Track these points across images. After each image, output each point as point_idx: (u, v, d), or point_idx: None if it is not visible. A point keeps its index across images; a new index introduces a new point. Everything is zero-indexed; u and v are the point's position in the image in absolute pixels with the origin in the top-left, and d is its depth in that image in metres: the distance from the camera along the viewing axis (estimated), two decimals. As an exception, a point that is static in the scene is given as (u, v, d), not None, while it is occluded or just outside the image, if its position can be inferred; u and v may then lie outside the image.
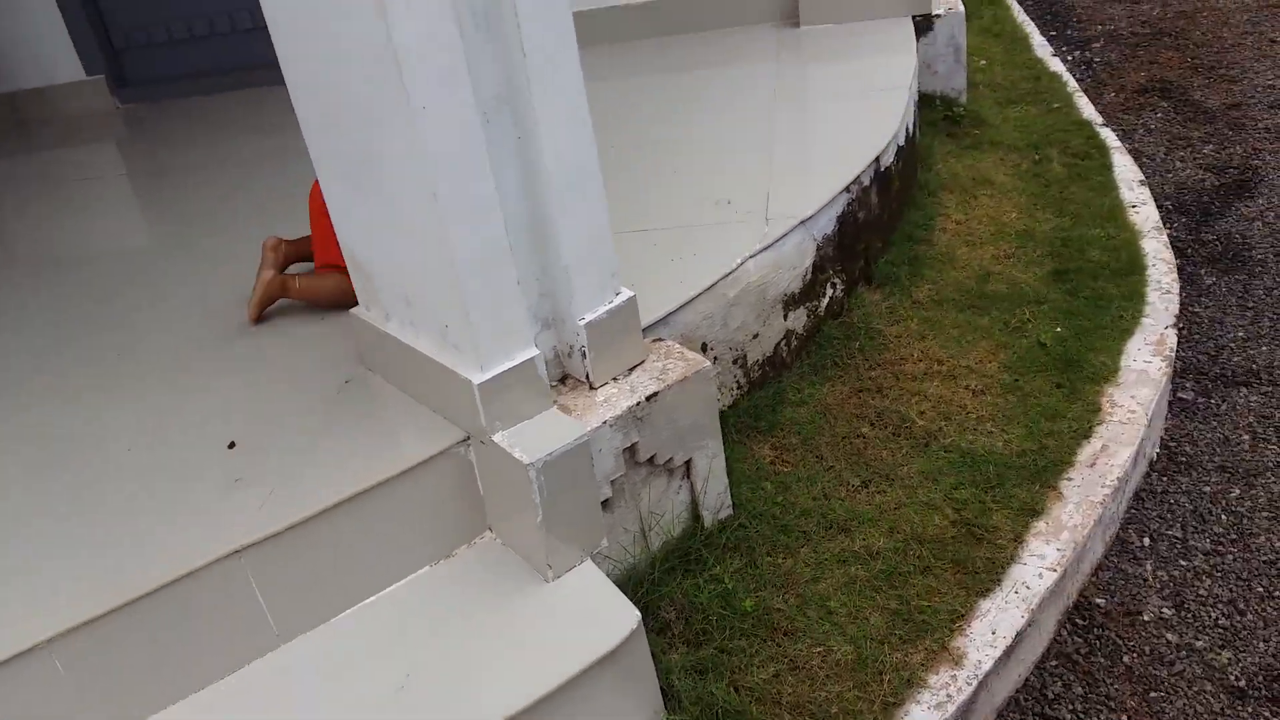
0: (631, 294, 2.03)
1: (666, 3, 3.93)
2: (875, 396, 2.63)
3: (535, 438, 1.87)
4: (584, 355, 2.00)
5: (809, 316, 2.68)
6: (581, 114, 1.83)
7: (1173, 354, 2.67)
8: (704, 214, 2.68)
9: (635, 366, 2.09)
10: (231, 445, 2.06)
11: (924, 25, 3.68)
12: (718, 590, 2.09)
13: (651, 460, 2.07)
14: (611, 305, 2.00)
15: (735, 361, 2.49)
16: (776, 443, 2.50)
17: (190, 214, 3.38)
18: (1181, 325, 3.06)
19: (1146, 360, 2.64)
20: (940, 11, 3.67)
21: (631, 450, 2.02)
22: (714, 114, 3.32)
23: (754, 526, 2.25)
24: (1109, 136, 3.74)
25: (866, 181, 2.83)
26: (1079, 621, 2.21)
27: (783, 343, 2.61)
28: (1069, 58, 4.90)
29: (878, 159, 2.87)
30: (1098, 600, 2.26)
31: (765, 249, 2.49)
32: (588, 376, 2.03)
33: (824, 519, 2.29)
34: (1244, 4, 5.16)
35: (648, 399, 2.00)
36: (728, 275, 2.40)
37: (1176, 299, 2.86)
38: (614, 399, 2.00)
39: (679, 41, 3.92)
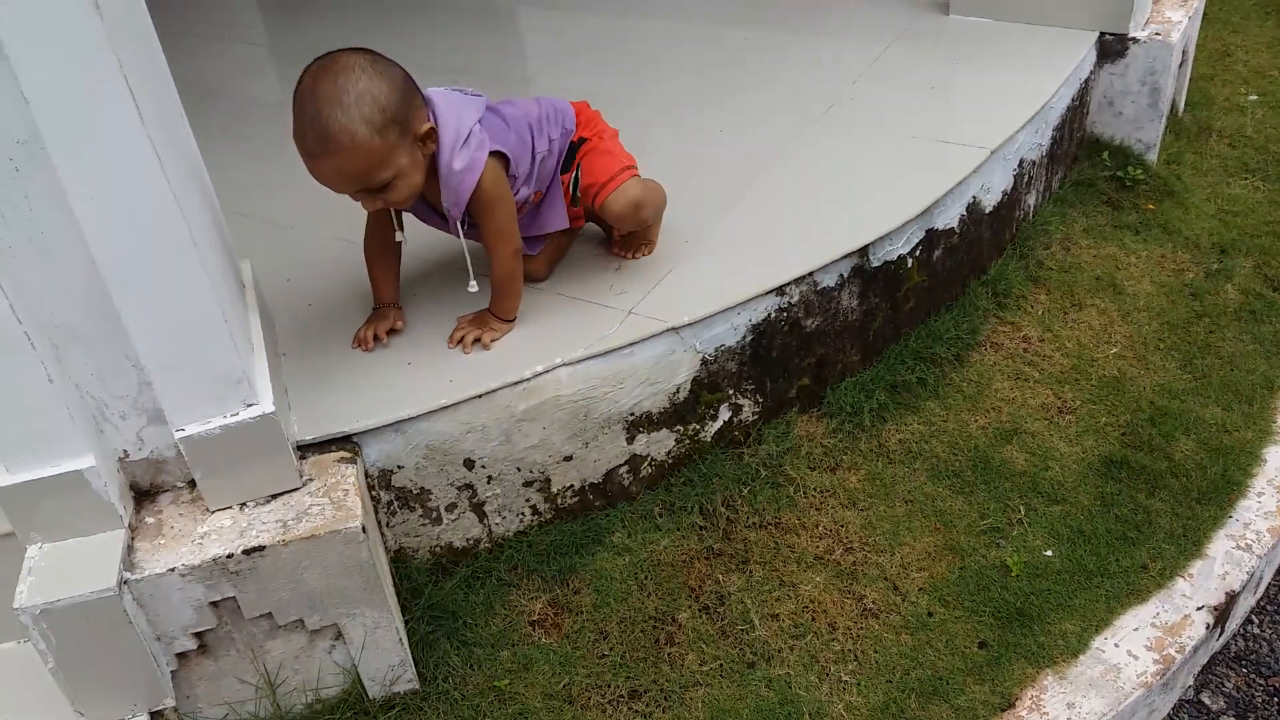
0: (268, 410, 1.52)
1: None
2: (731, 570, 1.93)
3: (57, 572, 1.48)
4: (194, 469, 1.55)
5: (679, 441, 1.99)
6: (140, 179, 1.31)
7: (1186, 655, 1.71)
8: (574, 280, 2.03)
9: (282, 494, 1.61)
10: None
11: (1115, 48, 2.57)
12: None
13: (270, 616, 1.60)
14: (231, 421, 1.51)
15: (529, 484, 1.90)
16: (559, 598, 1.91)
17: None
18: (1264, 601, 2.00)
19: (1132, 652, 1.71)
20: (1139, 35, 2.53)
21: (234, 603, 1.57)
22: (739, 113, 2.52)
23: (436, 713, 1.73)
24: (1354, 252, 2.48)
25: (831, 281, 2.01)
26: None
27: (624, 469, 1.96)
28: None
29: (865, 250, 2.03)
30: None
31: (589, 358, 1.83)
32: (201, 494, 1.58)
33: (542, 732, 1.72)
34: None
35: (246, 553, 1.52)
36: (516, 384, 1.79)
37: (1250, 562, 1.83)
38: (210, 539, 1.54)
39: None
